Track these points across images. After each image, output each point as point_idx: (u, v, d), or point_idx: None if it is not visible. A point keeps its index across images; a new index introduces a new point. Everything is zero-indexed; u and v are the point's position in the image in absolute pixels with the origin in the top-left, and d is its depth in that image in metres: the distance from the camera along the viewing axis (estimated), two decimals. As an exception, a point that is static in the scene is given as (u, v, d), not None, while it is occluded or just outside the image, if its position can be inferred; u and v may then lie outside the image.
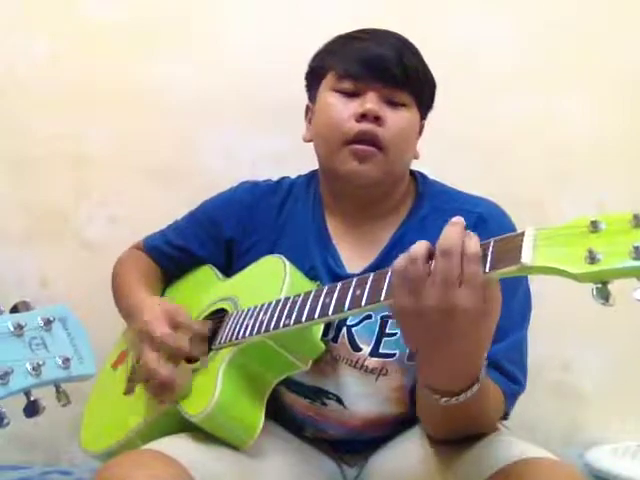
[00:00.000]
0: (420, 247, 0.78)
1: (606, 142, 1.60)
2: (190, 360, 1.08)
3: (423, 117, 1.20)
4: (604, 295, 0.66)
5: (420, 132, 1.22)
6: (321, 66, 1.19)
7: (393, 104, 1.12)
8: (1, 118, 1.65)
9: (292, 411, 1.16)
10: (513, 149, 1.62)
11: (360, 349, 1.10)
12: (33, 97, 1.64)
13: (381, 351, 1.09)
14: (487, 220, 1.12)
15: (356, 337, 1.10)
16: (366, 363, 1.10)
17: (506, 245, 0.74)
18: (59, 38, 1.64)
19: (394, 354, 1.09)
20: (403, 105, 1.13)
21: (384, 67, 1.11)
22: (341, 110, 1.12)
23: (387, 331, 1.09)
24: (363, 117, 1.10)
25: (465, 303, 0.76)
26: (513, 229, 1.14)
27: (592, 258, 0.65)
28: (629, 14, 1.60)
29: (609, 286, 0.66)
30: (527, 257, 0.71)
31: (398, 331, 1.09)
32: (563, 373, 1.62)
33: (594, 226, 0.67)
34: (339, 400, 1.12)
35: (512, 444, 0.97)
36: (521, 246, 0.72)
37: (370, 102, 1.10)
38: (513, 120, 1.61)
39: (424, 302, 0.77)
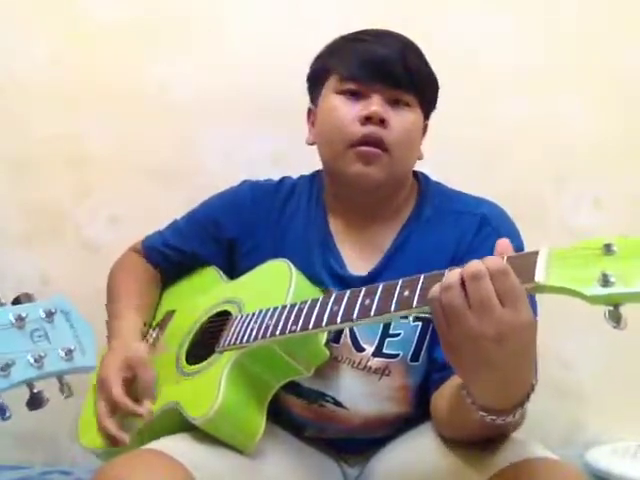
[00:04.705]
0: (453, 275, 0.75)
1: (606, 142, 1.60)
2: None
3: (426, 117, 1.20)
4: (616, 318, 0.67)
5: (424, 132, 1.22)
6: (323, 68, 1.18)
7: (397, 105, 1.12)
8: (1, 118, 1.65)
9: (291, 412, 1.16)
10: (513, 149, 1.62)
11: (363, 349, 1.10)
12: (33, 97, 1.64)
13: (384, 351, 1.09)
14: (490, 221, 1.13)
15: (359, 337, 1.10)
16: (369, 363, 1.10)
17: (519, 263, 0.74)
18: (59, 38, 1.64)
19: (397, 354, 1.09)
20: (407, 105, 1.13)
21: (388, 69, 1.10)
22: (345, 113, 1.11)
23: (390, 332, 1.09)
24: (368, 120, 1.09)
25: (514, 320, 0.73)
26: (515, 230, 1.15)
27: (605, 281, 0.66)
28: (629, 14, 1.61)
29: (621, 309, 0.66)
30: (541, 276, 0.71)
31: (402, 332, 1.09)
32: (563, 373, 1.62)
33: (607, 249, 0.68)
34: (338, 402, 1.12)
35: (515, 444, 0.97)
36: (535, 265, 0.72)
37: (375, 104, 1.09)
38: (513, 120, 1.61)
39: (469, 332, 0.74)
